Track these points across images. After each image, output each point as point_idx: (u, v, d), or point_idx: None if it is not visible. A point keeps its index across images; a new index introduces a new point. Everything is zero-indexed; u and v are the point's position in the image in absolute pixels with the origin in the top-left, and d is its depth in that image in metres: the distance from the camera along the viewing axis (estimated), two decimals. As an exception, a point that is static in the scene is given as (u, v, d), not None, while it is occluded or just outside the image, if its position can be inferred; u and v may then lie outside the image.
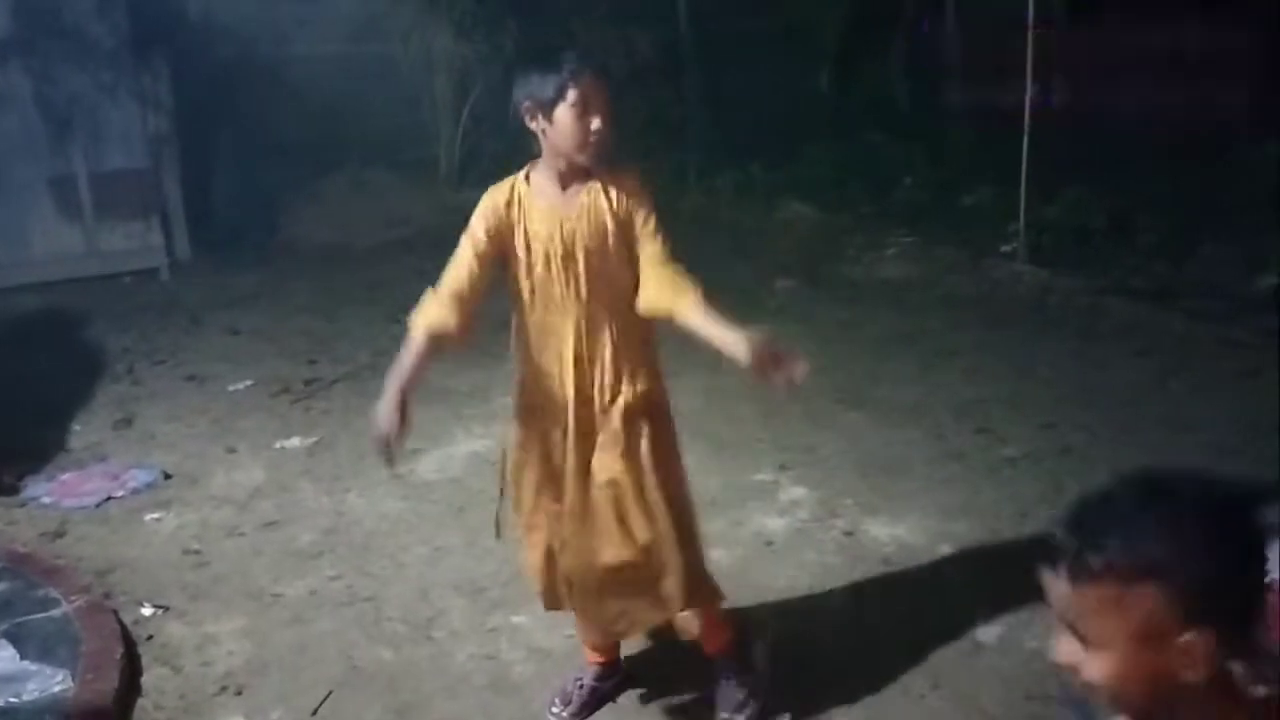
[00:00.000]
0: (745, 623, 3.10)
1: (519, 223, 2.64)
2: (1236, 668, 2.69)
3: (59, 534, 4.11)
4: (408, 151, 10.37)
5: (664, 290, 2.55)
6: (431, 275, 2.70)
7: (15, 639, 3.20)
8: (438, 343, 2.68)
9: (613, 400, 2.65)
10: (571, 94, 2.52)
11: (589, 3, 10.25)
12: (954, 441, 4.59)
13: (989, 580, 3.47)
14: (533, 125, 2.60)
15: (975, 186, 8.27)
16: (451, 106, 10.43)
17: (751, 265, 7.52)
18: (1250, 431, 4.53)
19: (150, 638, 3.37)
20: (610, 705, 2.98)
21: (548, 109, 2.55)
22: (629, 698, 3.01)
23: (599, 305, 2.63)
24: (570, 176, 2.62)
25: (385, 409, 2.62)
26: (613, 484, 2.62)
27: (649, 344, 2.73)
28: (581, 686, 2.96)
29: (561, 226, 2.60)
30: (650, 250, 2.59)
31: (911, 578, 3.50)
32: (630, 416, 2.65)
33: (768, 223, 8.46)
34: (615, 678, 3.02)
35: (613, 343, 2.64)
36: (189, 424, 5.20)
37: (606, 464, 2.64)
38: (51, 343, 6.54)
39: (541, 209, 2.63)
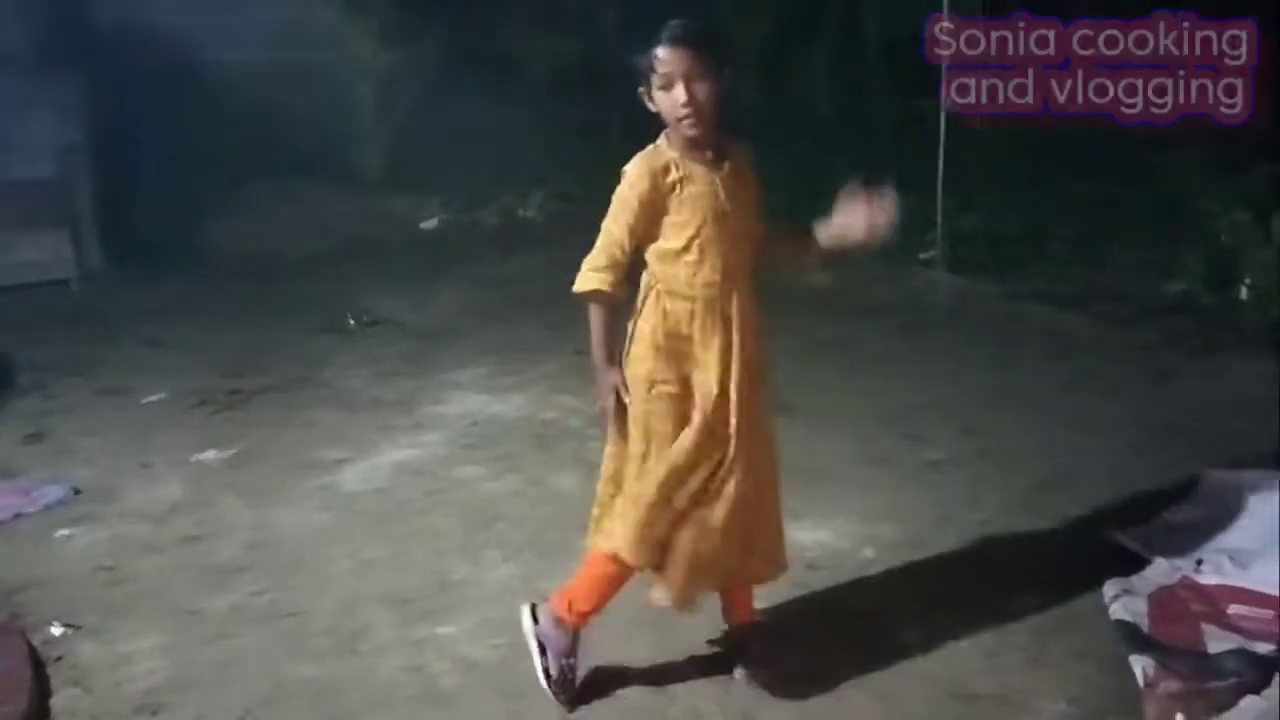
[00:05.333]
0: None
1: (681, 185, 2.67)
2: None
3: (-35, 553, 3.98)
4: (333, 159, 10.26)
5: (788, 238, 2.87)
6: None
7: (-81, 663, 3.09)
8: (614, 309, 2.76)
9: (746, 357, 2.75)
10: (655, 74, 2.61)
11: (515, 11, 10.25)
12: (877, 446, 4.66)
13: (913, 582, 3.53)
14: (653, 108, 2.68)
15: (896, 194, 8.40)
16: (375, 114, 10.35)
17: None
18: (1161, 432, 4.68)
19: (60, 658, 3.26)
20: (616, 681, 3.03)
21: (650, 91, 2.65)
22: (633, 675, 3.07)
23: (739, 261, 2.73)
24: (694, 147, 2.69)
25: (608, 385, 2.77)
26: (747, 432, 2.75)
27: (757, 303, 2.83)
28: (572, 665, 2.93)
29: (715, 189, 2.68)
30: (751, 224, 2.79)
31: (837, 581, 3.54)
32: (755, 371, 2.78)
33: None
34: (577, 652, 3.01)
35: (744, 296, 2.76)
36: (103, 438, 5.07)
37: (741, 411, 2.73)
38: (-43, 356, 6.34)
39: (700, 172, 2.68)
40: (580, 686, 2.97)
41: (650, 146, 2.72)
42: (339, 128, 10.22)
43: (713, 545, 2.76)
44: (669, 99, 2.61)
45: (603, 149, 9.38)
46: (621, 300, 2.74)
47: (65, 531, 4.12)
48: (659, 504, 2.73)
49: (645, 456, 2.76)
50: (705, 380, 2.72)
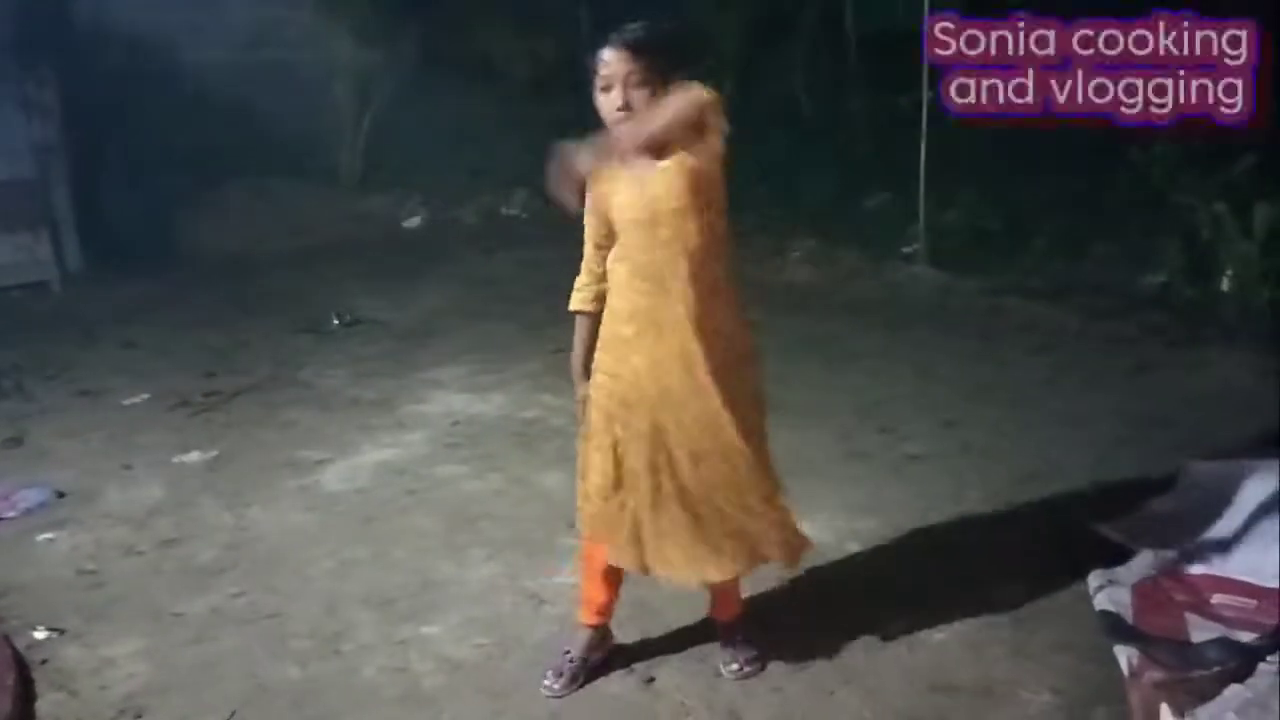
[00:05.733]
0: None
1: (607, 196, 2.73)
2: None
3: (-55, 558, 3.95)
4: (309, 159, 10.22)
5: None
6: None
7: (-102, 668, 3.06)
8: (594, 318, 2.86)
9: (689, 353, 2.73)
10: (597, 77, 2.63)
11: (493, 11, 10.22)
12: (859, 441, 4.67)
13: (895, 576, 3.53)
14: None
15: (876, 190, 8.43)
16: (353, 113, 10.31)
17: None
18: (1142, 423, 4.70)
19: (44, 662, 3.24)
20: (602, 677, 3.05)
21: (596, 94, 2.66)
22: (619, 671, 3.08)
23: (673, 264, 2.69)
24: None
25: (580, 397, 2.91)
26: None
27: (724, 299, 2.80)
28: (572, 660, 3.01)
29: (643, 194, 2.67)
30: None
31: (819, 576, 3.54)
32: (725, 369, 2.76)
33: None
34: (603, 649, 3.08)
35: (695, 297, 2.70)
36: (83, 440, 5.03)
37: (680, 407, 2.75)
38: (-66, 360, 6.28)
39: (627, 178, 2.69)
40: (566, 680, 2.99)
41: None
42: (317, 127, 10.16)
43: (675, 529, 2.78)
44: (607, 101, 2.62)
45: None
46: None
47: (47, 535, 4.09)
48: (597, 483, 2.82)
49: (588, 439, 2.85)
50: (639, 378, 2.74)
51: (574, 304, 2.90)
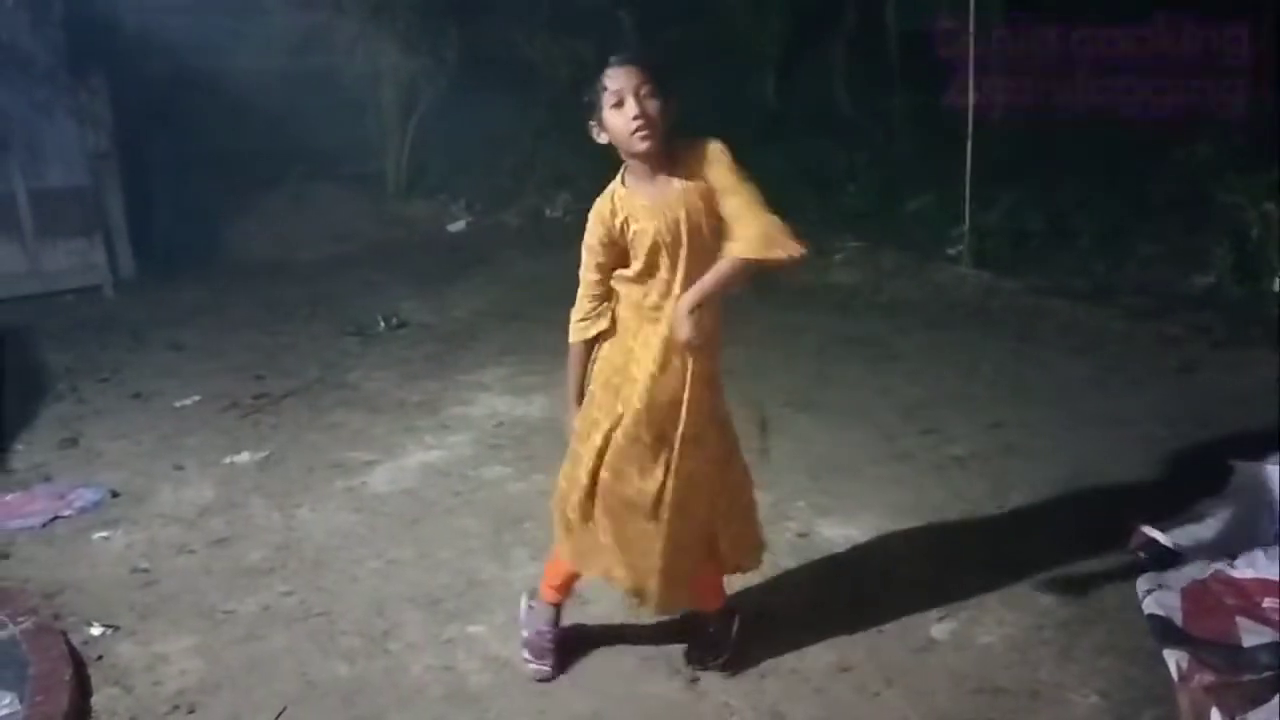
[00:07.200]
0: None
1: (626, 225, 2.74)
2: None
3: (4, 555, 4.03)
4: (353, 165, 10.34)
5: (749, 235, 2.65)
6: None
7: (-39, 664, 3.14)
8: (591, 346, 2.91)
9: (695, 371, 2.79)
10: (605, 95, 2.65)
11: (534, 15, 10.28)
12: (902, 442, 4.66)
13: (939, 577, 3.52)
14: (601, 140, 2.73)
15: (919, 192, 8.39)
16: (397, 119, 10.41)
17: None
18: (1188, 424, 4.65)
19: (100, 658, 3.32)
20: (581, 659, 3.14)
21: (599, 119, 2.69)
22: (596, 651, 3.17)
23: (688, 280, 2.73)
24: (652, 169, 2.72)
25: (569, 426, 2.96)
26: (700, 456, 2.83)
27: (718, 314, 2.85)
28: (548, 638, 3.11)
29: (665, 217, 2.70)
30: (733, 203, 2.67)
31: (864, 577, 3.55)
32: (702, 388, 2.81)
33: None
34: (561, 620, 3.17)
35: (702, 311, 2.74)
36: (135, 442, 5.13)
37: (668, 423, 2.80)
38: (-8, 363, 6.43)
39: (644, 206, 2.72)
40: (609, 680, 3.02)
41: (609, 188, 2.81)
42: (361, 133, 10.29)
43: (639, 542, 2.84)
44: (620, 116, 2.64)
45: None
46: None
47: (102, 534, 4.18)
48: (572, 485, 2.91)
49: (577, 441, 2.92)
50: (630, 390, 2.79)
51: (573, 335, 2.91)
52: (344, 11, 9.70)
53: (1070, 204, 7.62)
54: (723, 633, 3.10)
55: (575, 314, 2.90)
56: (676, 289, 2.73)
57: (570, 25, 10.24)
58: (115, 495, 4.51)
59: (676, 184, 2.71)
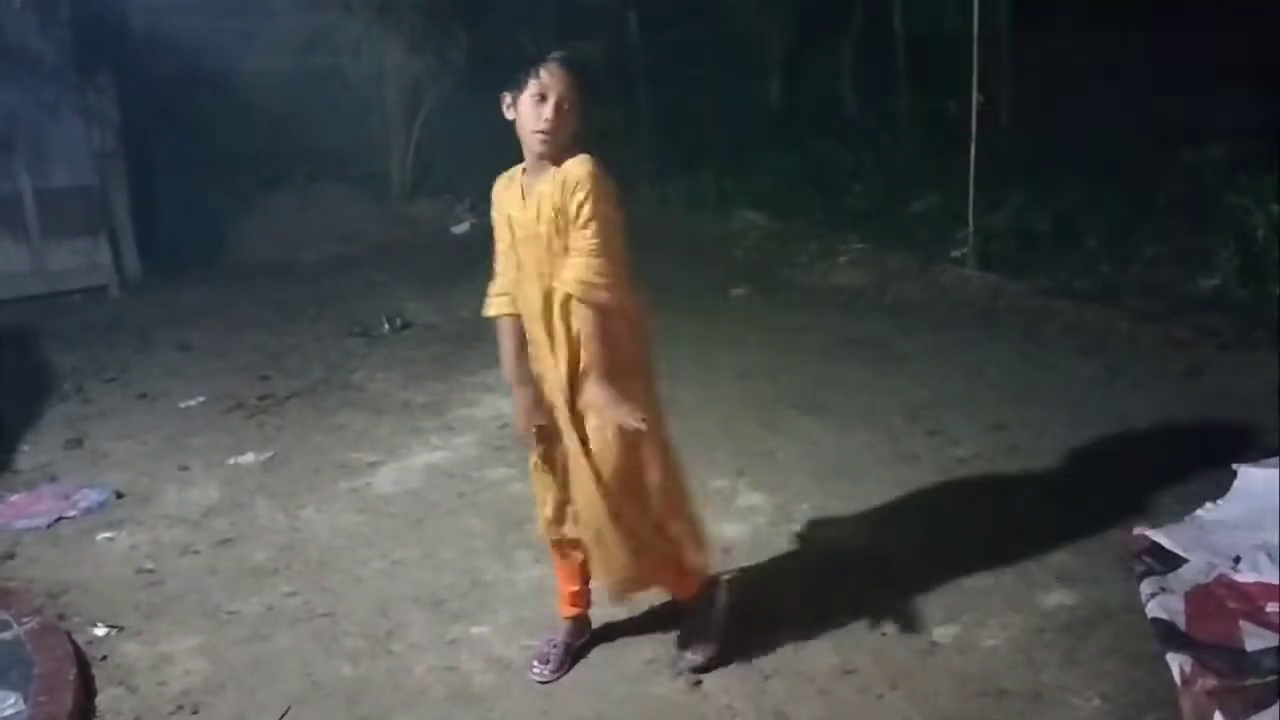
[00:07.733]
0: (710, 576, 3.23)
1: (504, 207, 2.88)
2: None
3: (9, 556, 4.05)
4: (358, 165, 10.34)
5: (566, 277, 2.72)
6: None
7: (-34, 663, 3.15)
8: (518, 322, 2.94)
9: (582, 374, 2.83)
10: (531, 84, 2.71)
11: (539, 15, 10.27)
12: (906, 444, 4.65)
13: (943, 580, 3.51)
14: (509, 116, 2.78)
15: (924, 193, 8.38)
16: (402, 120, 10.41)
17: (704, 273, 7.59)
18: (1194, 427, 4.64)
19: (104, 658, 3.33)
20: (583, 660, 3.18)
21: (515, 99, 2.75)
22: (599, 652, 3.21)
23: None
24: (539, 165, 2.79)
25: (520, 406, 2.97)
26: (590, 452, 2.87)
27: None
28: (556, 646, 3.16)
29: (524, 211, 2.80)
30: (576, 241, 2.73)
31: (866, 579, 3.54)
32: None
33: (720, 231, 8.53)
34: (585, 635, 3.23)
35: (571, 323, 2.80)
36: (140, 442, 5.15)
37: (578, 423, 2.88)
38: (-2, 363, 6.45)
39: (515, 195, 2.84)
40: (612, 682, 3.04)
41: (515, 168, 2.88)
42: (366, 134, 10.29)
43: (595, 540, 2.91)
44: (534, 111, 2.70)
45: (631, 150, 9.42)
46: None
47: (106, 534, 4.19)
48: (537, 484, 3.07)
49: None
50: (548, 390, 2.90)
51: (489, 310, 2.98)
52: (350, 12, 9.70)
53: (1076, 206, 7.60)
54: (702, 612, 3.14)
55: (493, 288, 2.98)
56: (539, 284, 2.80)
57: (576, 26, 10.24)
58: (120, 496, 4.53)
59: (546, 191, 2.75)
